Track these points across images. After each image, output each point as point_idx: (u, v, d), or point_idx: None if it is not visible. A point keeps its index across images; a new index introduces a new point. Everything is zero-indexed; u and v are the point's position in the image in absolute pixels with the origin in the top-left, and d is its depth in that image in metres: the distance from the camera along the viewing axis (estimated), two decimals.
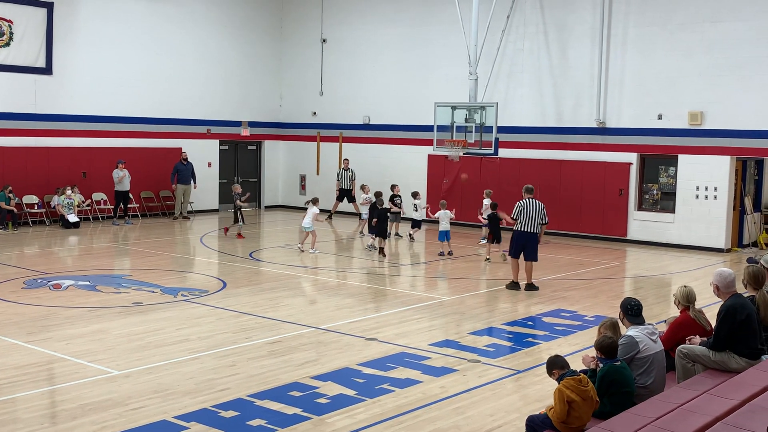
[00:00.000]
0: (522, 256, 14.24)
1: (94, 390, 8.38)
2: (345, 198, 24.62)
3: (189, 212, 24.94)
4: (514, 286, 14.35)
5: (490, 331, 11.47)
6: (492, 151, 20.13)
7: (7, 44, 21.25)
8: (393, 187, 21.55)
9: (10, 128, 21.68)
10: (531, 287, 14.32)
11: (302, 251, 18.06)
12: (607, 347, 6.77)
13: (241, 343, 10.45)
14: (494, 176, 22.98)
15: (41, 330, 10.81)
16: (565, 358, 6.84)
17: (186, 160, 24.38)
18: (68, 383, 8.64)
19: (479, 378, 9.17)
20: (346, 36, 26.61)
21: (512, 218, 14.36)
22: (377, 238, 18.10)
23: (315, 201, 18.61)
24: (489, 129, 20.02)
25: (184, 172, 24.31)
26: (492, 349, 10.43)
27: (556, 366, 6.66)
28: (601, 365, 6.79)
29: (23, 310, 11.97)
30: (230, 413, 7.83)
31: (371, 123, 26.13)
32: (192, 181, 24.64)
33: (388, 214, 19.15)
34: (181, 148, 25.17)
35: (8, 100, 21.57)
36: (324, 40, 27.04)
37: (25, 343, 10.09)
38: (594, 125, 21.59)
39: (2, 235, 20.15)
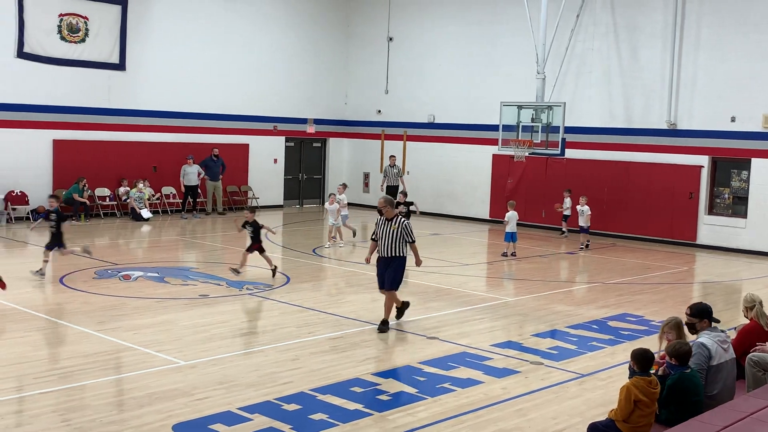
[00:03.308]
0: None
1: (160, 379, 8.56)
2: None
3: (225, 209, 24.80)
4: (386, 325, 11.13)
5: (553, 334, 11.33)
6: (558, 152, 19.92)
7: (83, 40, 21.86)
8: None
9: (84, 122, 22.30)
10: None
11: (337, 246, 18.45)
12: (683, 354, 6.54)
13: (303, 337, 10.54)
14: (560, 177, 22.70)
15: (111, 319, 11.09)
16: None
17: (216, 156, 24.48)
18: (136, 372, 8.84)
19: (542, 380, 9.07)
20: (413, 34, 26.62)
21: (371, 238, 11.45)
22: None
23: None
24: (555, 129, 19.81)
25: (213, 168, 24.33)
26: (555, 352, 10.31)
27: (638, 362, 6.42)
28: (671, 372, 6.60)
29: (94, 299, 12.30)
30: (293, 406, 7.91)
31: (436, 122, 26.08)
32: (220, 177, 24.41)
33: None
34: (248, 144, 25.64)
35: (83, 95, 22.19)
36: (390, 39, 27.08)
37: (95, 332, 10.36)
38: (664, 127, 21.15)
39: (75, 227, 20.74)
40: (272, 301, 12.68)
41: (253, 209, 15.33)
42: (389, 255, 10.95)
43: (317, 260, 16.95)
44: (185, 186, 23.68)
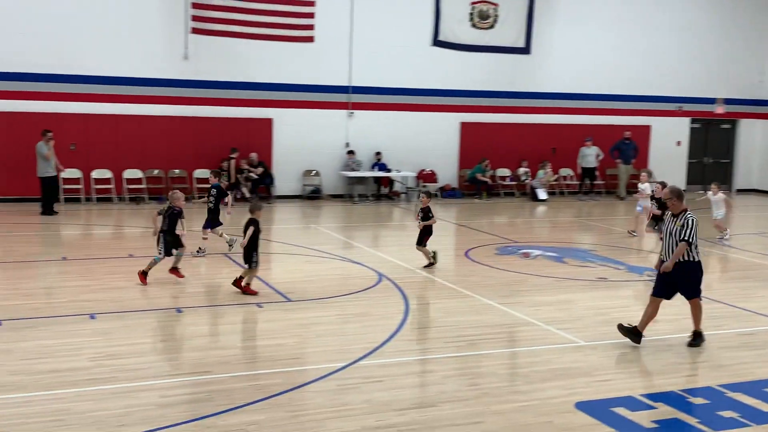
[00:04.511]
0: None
1: (561, 356, 8.67)
2: None
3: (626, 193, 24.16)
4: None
5: None
6: None
7: (492, 26, 22.82)
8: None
9: (489, 105, 23.35)
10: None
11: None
12: None
13: (710, 330, 9.89)
14: None
15: (512, 294, 11.50)
16: None
17: (629, 138, 23.69)
18: (537, 347, 9.06)
19: None
20: None
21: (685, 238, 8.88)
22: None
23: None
24: None
25: (625, 151, 23.67)
26: None
27: None
28: None
29: (496, 274, 12.86)
30: (699, 400, 7.51)
31: None
32: (632, 161, 23.79)
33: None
34: (649, 126, 24.84)
35: (489, 79, 23.24)
36: None
37: (498, 305, 10.82)
38: None
39: (477, 204, 21.90)
40: None
41: (430, 194, 13.58)
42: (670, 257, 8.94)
43: (722, 250, 15.83)
44: (582, 168, 23.69)
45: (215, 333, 9.34)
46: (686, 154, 25.95)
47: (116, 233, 16.98)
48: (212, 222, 13.69)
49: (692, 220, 8.85)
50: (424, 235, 13.10)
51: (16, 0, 19.08)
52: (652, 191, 15.59)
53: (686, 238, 8.76)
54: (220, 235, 13.72)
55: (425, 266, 13.02)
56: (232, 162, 20.70)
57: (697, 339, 9.24)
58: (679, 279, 8.97)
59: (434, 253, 13.14)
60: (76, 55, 19.53)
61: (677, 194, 9.03)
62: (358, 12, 21.54)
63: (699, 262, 8.98)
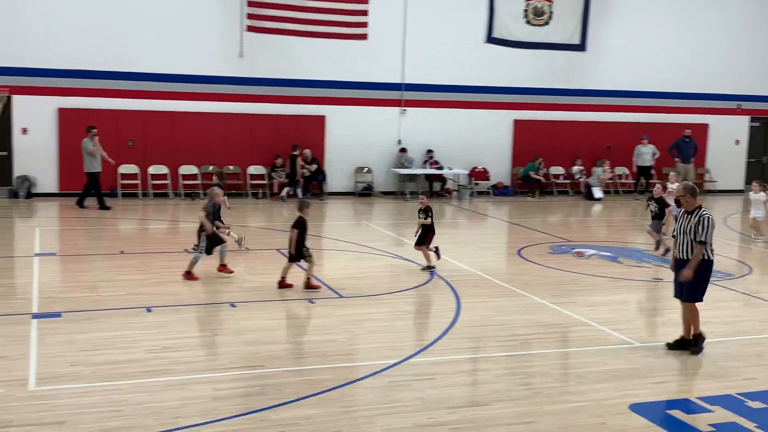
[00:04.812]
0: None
1: (616, 358, 8.54)
2: None
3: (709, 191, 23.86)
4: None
5: None
6: None
7: (546, 23, 22.58)
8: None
9: (542, 103, 23.14)
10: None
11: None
12: None
13: (766, 333, 9.71)
14: None
15: (566, 294, 11.38)
16: None
17: (688, 137, 23.20)
18: (591, 347, 8.94)
19: None
20: None
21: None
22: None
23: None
24: None
25: (684, 150, 23.17)
26: None
27: None
28: None
29: (549, 273, 12.73)
30: (757, 404, 7.33)
31: None
32: (691, 159, 23.27)
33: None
34: (707, 124, 24.32)
35: (543, 76, 23.02)
36: None
37: (551, 304, 10.72)
38: None
39: (530, 203, 21.72)
40: (733, 292, 11.86)
41: (428, 194, 12.94)
42: (684, 256, 8.57)
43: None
44: (638, 166, 23.32)
45: (268, 328, 9.43)
46: (745, 153, 25.37)
47: (171, 228, 17.26)
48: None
49: (708, 217, 8.47)
50: (425, 234, 12.73)
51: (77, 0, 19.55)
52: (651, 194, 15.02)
53: (703, 239, 8.39)
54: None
55: (424, 268, 12.56)
56: (298, 159, 20.88)
57: (698, 343, 8.76)
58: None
59: (436, 247, 12.73)
60: (134, 53, 19.91)
61: (691, 191, 8.67)
62: (412, 9, 21.53)
63: (711, 261, 8.61)
